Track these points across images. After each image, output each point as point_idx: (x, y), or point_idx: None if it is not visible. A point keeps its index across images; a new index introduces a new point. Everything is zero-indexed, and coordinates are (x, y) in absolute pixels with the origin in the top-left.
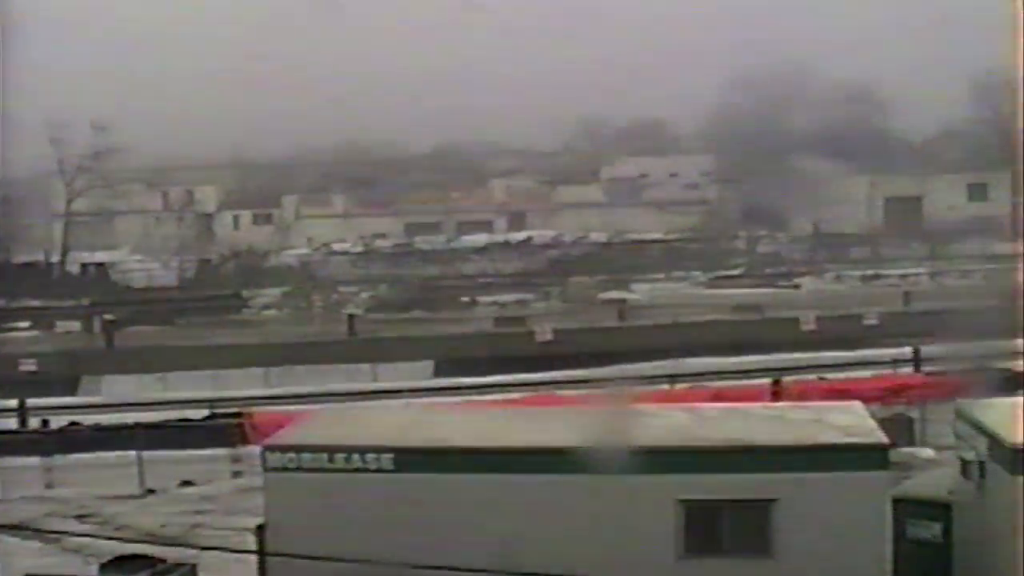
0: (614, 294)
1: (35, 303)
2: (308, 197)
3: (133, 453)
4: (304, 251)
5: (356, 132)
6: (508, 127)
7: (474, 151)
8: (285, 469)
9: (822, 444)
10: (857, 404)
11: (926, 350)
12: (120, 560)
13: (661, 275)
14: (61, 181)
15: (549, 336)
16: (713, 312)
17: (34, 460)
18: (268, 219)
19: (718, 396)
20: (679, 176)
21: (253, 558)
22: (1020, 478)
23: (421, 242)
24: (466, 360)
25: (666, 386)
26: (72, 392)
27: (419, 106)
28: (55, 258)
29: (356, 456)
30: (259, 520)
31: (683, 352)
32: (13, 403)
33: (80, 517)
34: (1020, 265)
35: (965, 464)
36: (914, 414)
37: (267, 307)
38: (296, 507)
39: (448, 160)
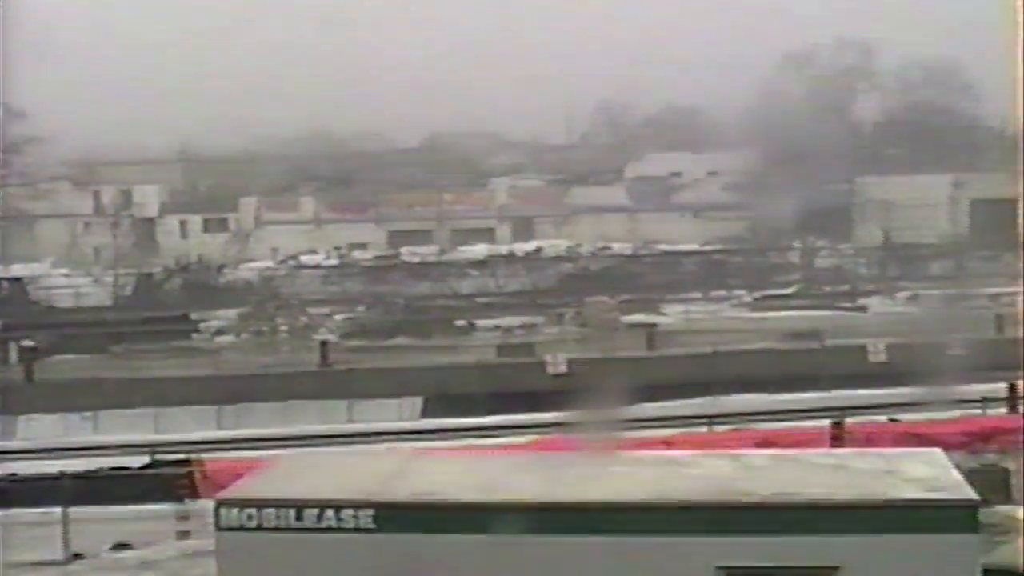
0: (641, 317)
1: None
2: (271, 199)
3: (57, 509)
4: (266, 264)
5: (330, 122)
6: (513, 116)
7: (472, 145)
8: (242, 528)
9: (895, 501)
10: (937, 452)
11: None
12: None
13: (698, 295)
14: None
15: (563, 368)
16: (761, 339)
17: None
18: (222, 225)
19: (767, 441)
20: (719, 175)
21: None
22: None
23: (408, 254)
24: (462, 397)
25: (704, 429)
26: None
27: (406, 91)
28: None
29: (329, 512)
30: None
31: (725, 388)
32: None
33: None
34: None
35: None
36: (1009, 464)
37: (221, 332)
38: (256, 574)
39: (441, 155)
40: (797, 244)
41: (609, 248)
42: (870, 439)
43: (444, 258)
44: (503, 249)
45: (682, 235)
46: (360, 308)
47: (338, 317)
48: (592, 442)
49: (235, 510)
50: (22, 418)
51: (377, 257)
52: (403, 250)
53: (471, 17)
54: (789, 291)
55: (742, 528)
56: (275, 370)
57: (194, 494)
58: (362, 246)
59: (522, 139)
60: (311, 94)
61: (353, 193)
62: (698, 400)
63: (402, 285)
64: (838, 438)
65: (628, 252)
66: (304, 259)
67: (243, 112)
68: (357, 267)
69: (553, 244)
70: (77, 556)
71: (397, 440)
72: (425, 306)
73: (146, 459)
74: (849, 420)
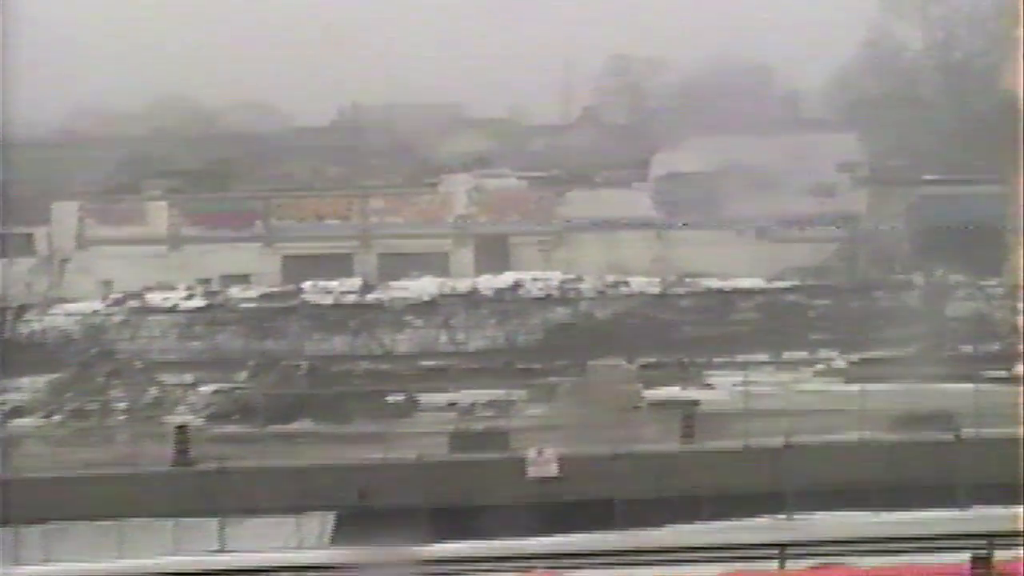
0: (674, 392)
1: None
2: (102, 205)
3: None
4: (93, 306)
5: (193, 88)
6: (479, 81)
7: (414, 123)
8: None
9: None
10: None
11: None
12: None
13: (762, 356)
14: None
15: (552, 469)
16: (859, 426)
17: None
18: (25, 246)
19: None
20: (797, 171)
21: None
22: None
23: (314, 291)
24: (395, 513)
25: (774, 565)
26: None
27: (311, 43)
28: None
29: None
30: None
31: (804, 501)
32: None
33: None
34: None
35: None
36: None
37: (20, 412)
38: None
39: (365, 139)
40: (917, 279)
41: (625, 284)
42: None
43: (370, 298)
44: (461, 285)
45: (738, 264)
46: (239, 375)
47: (205, 389)
48: None
49: None
50: None
51: (266, 296)
52: (306, 285)
53: None
54: (903, 352)
55: None
56: (104, 471)
57: None
58: (243, 279)
59: (493, 115)
60: (164, 48)
61: (229, 196)
62: (762, 520)
63: (304, 339)
64: None
65: (655, 290)
66: (152, 298)
67: (58, 77)
68: (235, 312)
69: (539, 277)
70: None
71: None
72: (340, 372)
73: None
74: (1000, 554)
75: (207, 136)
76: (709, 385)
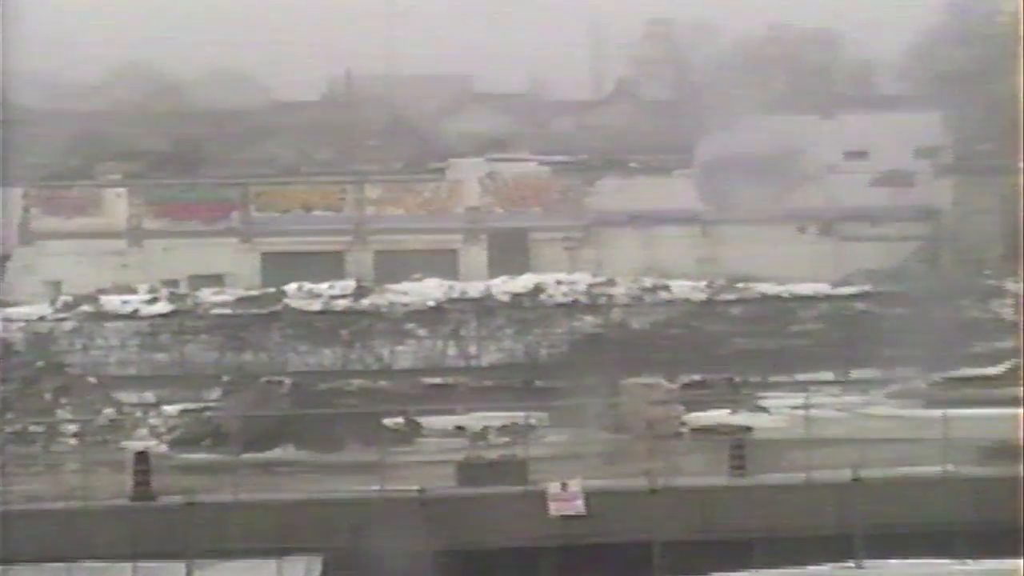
0: (722, 416)
1: None
2: (50, 193)
3: None
4: (39, 311)
5: (158, 55)
6: (492, 48)
7: (416, 99)
8: None
9: None
10: None
11: None
12: None
13: (827, 374)
14: None
15: (578, 506)
16: (944, 458)
17: None
18: None
19: None
20: (870, 154)
21: None
22: None
23: (299, 295)
24: (393, 555)
25: None
26: None
27: (296, 2)
28: None
29: None
30: None
31: (874, 546)
32: None
33: None
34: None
35: None
36: None
37: None
38: None
39: (359, 116)
40: (1010, 285)
41: (665, 289)
42: None
43: (365, 304)
44: (472, 289)
45: (799, 266)
46: (210, 393)
47: (170, 409)
48: None
49: None
50: None
51: (243, 300)
52: (290, 288)
53: None
54: (995, 371)
55: None
56: (52, 506)
57: None
58: (216, 280)
59: (510, 89)
60: (124, 11)
61: (200, 183)
62: (826, 568)
63: (288, 352)
64: None
65: (700, 296)
66: (109, 303)
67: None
68: (206, 319)
69: (564, 280)
70: None
71: None
72: (330, 391)
73: None
74: None
75: (174, 112)
76: (763, 408)
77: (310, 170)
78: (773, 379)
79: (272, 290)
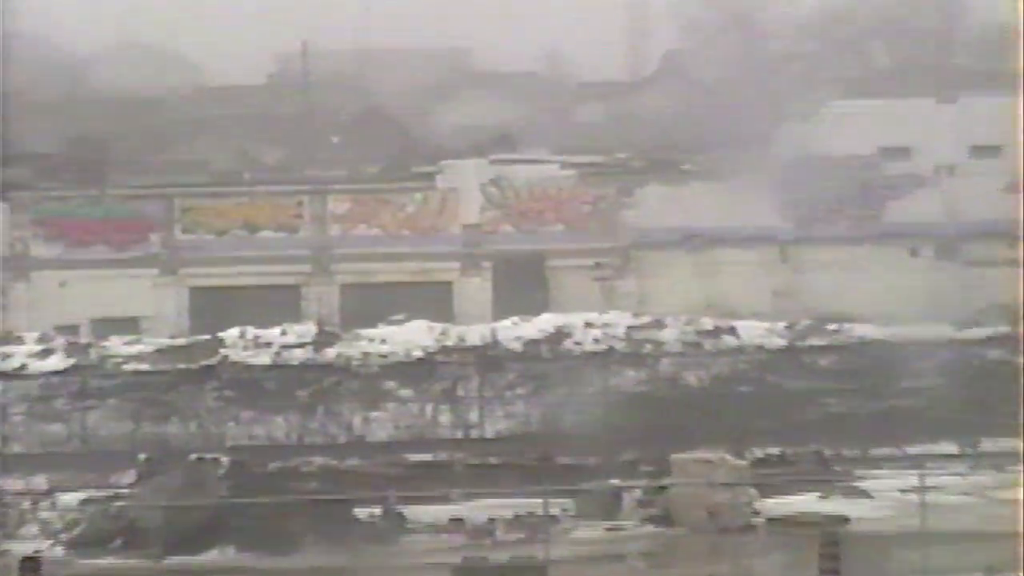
0: (808, 501)
1: None
2: None
3: None
4: None
5: (52, 30)
6: (498, 16)
7: (398, 79)
8: None
9: None
10: None
11: None
12: None
13: (948, 446)
14: None
15: None
16: None
17: None
18: None
19: None
20: (1002, 151)
21: None
22: None
23: (240, 343)
24: None
25: None
26: None
27: None
28: None
29: None
30: None
31: None
32: None
33: None
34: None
35: None
36: None
37: None
38: None
39: (321, 104)
40: None
41: (731, 332)
42: None
43: (330, 355)
44: (472, 333)
45: (910, 301)
46: (122, 477)
47: (68, 498)
48: None
49: None
50: None
51: (165, 352)
52: (229, 334)
53: None
54: None
55: None
56: None
57: None
58: (129, 324)
59: (522, 68)
60: None
61: (107, 195)
62: None
63: (225, 420)
64: None
65: (778, 342)
66: None
67: None
68: (116, 376)
69: (594, 322)
70: None
71: None
72: (282, 472)
73: None
74: None
75: (71, 101)
76: (863, 492)
77: (255, 177)
78: (876, 453)
79: (205, 338)
